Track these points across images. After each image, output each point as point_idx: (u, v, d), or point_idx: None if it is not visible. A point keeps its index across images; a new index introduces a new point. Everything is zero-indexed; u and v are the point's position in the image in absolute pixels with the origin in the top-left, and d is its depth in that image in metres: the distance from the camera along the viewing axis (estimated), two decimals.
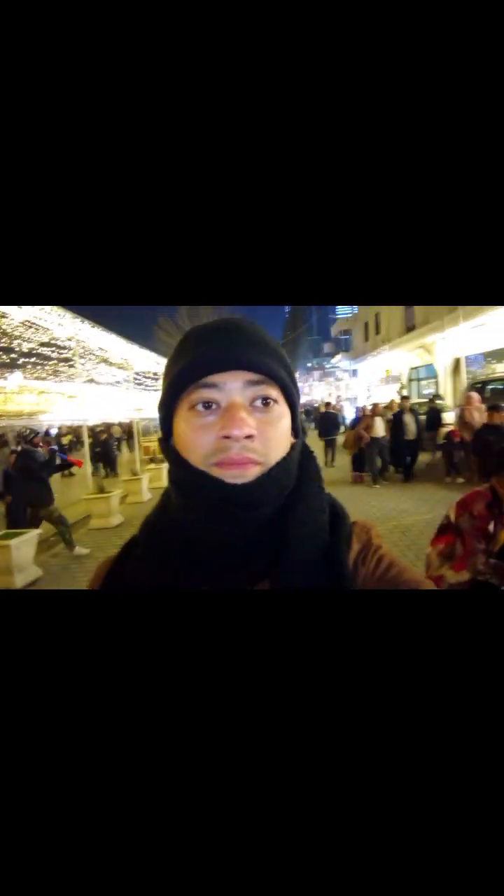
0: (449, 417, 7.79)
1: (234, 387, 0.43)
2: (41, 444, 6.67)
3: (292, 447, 0.46)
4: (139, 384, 14.65)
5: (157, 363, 13.00)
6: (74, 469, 7.70)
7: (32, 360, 11.35)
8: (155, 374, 14.23)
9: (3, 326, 8.02)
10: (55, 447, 6.36)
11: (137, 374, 13.44)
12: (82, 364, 10.54)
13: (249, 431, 0.42)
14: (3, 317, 7.48)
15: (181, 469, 0.44)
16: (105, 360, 11.36)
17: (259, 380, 0.44)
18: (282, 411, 0.45)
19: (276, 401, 0.44)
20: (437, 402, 9.21)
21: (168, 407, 0.47)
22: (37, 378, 13.73)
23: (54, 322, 7.78)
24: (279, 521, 0.45)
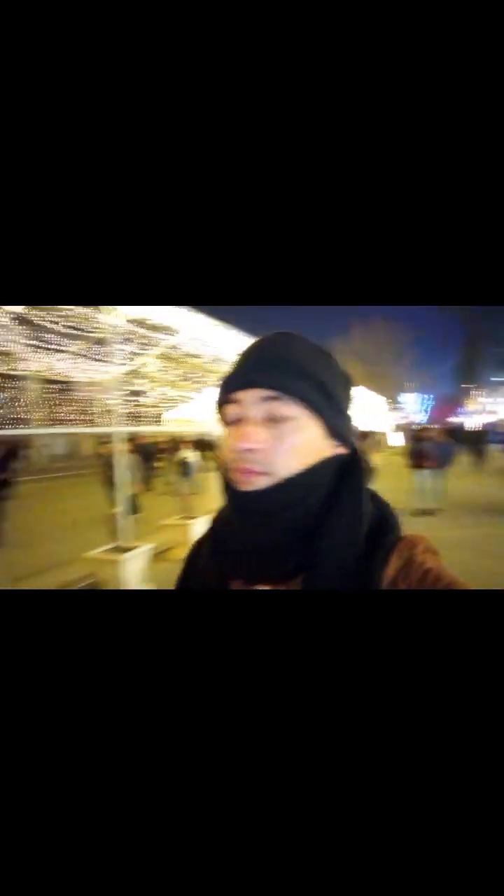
0: None
1: (250, 403, 0.47)
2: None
3: (324, 460, 0.48)
4: None
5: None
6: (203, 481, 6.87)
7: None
8: None
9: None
10: None
11: None
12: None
13: (251, 445, 0.46)
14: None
15: (222, 472, 0.50)
16: None
17: (272, 396, 0.47)
18: (298, 425, 0.47)
19: (291, 416, 0.47)
20: None
21: (222, 417, 0.52)
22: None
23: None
24: (311, 528, 0.47)
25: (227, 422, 0.49)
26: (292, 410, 0.47)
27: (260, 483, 0.46)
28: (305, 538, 0.47)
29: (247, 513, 0.47)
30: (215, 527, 0.55)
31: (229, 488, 0.49)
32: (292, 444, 0.46)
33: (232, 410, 0.49)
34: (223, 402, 0.50)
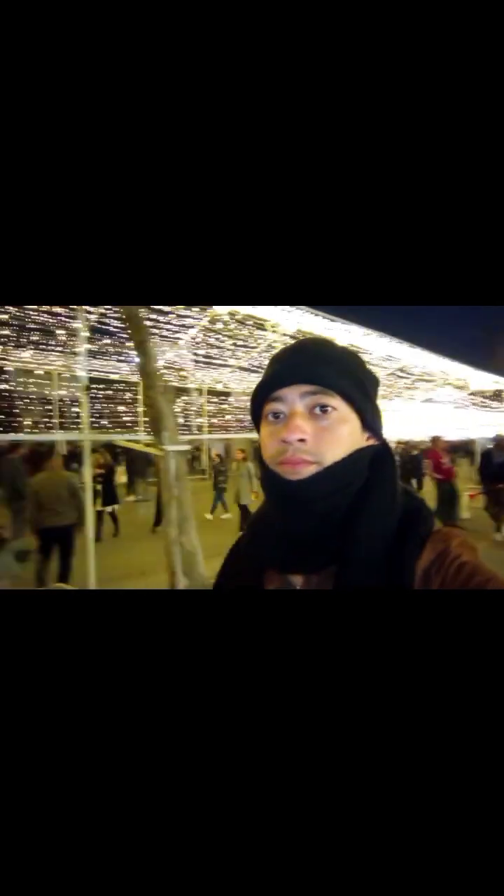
0: None
1: (293, 398, 0.50)
2: None
3: (360, 449, 0.52)
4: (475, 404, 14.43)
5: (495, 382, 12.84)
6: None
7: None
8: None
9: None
10: None
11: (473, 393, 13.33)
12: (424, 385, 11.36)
13: (300, 436, 0.48)
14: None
15: (262, 469, 0.53)
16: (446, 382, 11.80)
17: (315, 390, 0.50)
18: (341, 416, 0.50)
19: (334, 408, 0.50)
20: None
21: (256, 419, 0.56)
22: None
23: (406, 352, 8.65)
24: (345, 517, 0.50)
25: (270, 419, 0.52)
26: (335, 402, 0.50)
27: (309, 471, 0.49)
28: (341, 527, 0.49)
29: (294, 501, 0.49)
30: (254, 522, 0.59)
31: (275, 481, 0.50)
32: (337, 434, 0.50)
33: (275, 407, 0.51)
34: (263, 401, 0.53)
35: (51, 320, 7.68)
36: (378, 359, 9.76)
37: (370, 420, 0.53)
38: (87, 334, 5.73)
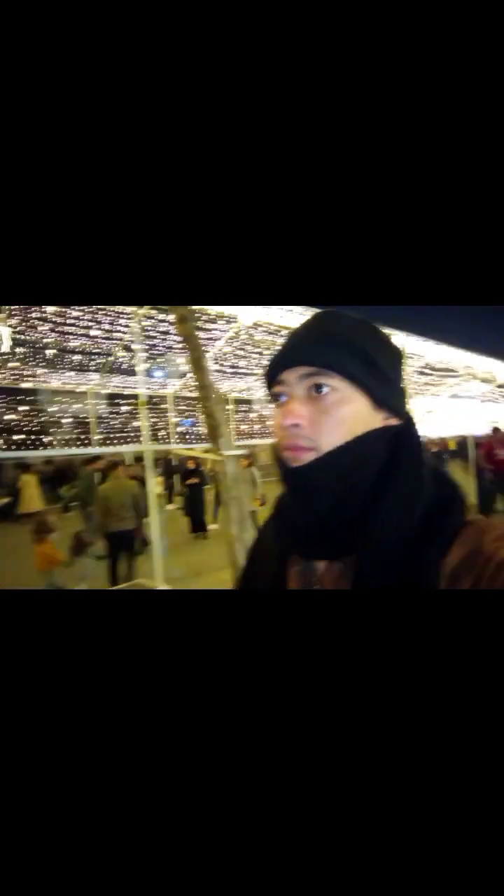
0: None
1: (291, 381, 0.48)
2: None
3: (372, 431, 0.47)
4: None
5: None
6: None
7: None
8: None
9: None
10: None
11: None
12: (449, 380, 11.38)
13: (293, 420, 0.46)
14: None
15: (273, 453, 0.51)
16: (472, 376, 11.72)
17: (312, 371, 0.47)
18: (341, 397, 0.47)
19: (334, 388, 0.46)
20: None
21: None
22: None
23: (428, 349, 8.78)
24: (362, 504, 0.46)
25: (277, 403, 0.50)
26: (334, 383, 0.46)
27: (308, 457, 0.46)
28: (357, 515, 0.46)
29: (296, 489, 0.48)
30: (276, 507, 0.56)
31: (280, 467, 0.49)
32: (336, 417, 0.46)
33: (278, 390, 0.49)
34: (271, 384, 0.51)
35: (88, 342, 8.22)
36: None
37: (382, 397, 0.48)
38: (145, 355, 6.08)
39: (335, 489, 0.46)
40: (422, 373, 10.65)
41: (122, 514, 4.37)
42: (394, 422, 0.50)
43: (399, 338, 8.47)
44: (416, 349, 9.03)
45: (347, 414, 0.47)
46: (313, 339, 0.48)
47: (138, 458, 7.93)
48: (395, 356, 0.52)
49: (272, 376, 0.51)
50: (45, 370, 8.92)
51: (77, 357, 8.58)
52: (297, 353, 0.48)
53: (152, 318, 6.84)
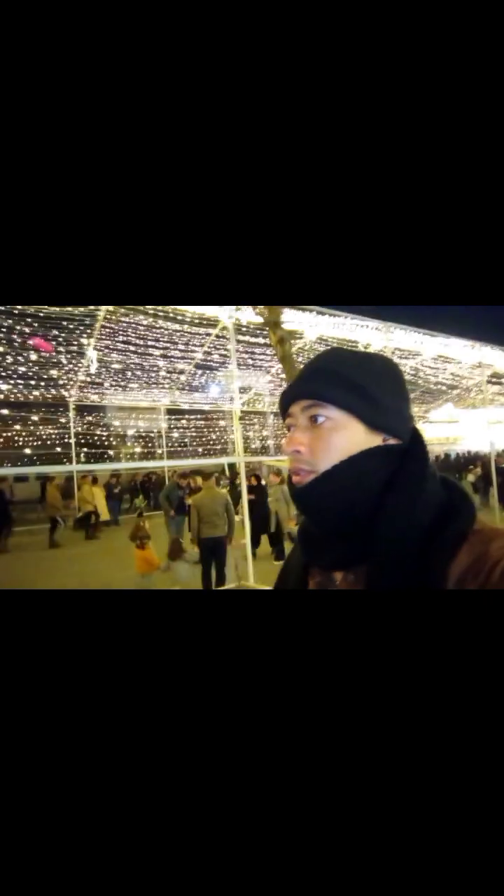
0: None
1: (296, 412, 0.54)
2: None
3: (366, 451, 0.51)
4: None
5: None
6: None
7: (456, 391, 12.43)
8: None
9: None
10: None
11: None
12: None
13: (295, 447, 0.52)
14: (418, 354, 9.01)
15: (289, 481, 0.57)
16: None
17: (310, 403, 0.53)
18: (335, 424, 0.52)
19: (328, 417, 0.52)
20: None
21: None
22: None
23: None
24: (366, 517, 0.50)
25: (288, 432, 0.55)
26: (328, 412, 0.52)
27: (308, 480, 0.52)
28: (362, 526, 0.50)
29: (303, 508, 0.54)
30: (300, 524, 0.62)
31: (290, 489, 0.55)
32: (330, 442, 0.51)
33: (288, 422, 0.55)
34: (284, 417, 0.56)
35: (161, 362, 8.83)
36: (467, 368, 9.75)
37: (375, 422, 0.52)
38: (238, 373, 6.38)
39: (334, 505, 0.51)
40: (494, 382, 10.36)
41: (214, 522, 4.69)
42: (394, 441, 0.53)
43: (474, 350, 8.35)
44: (486, 358, 8.94)
45: (342, 439, 0.52)
46: (312, 375, 0.54)
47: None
48: (393, 383, 0.55)
49: (283, 409, 0.57)
50: (123, 388, 9.58)
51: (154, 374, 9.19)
52: (298, 387, 0.54)
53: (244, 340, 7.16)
